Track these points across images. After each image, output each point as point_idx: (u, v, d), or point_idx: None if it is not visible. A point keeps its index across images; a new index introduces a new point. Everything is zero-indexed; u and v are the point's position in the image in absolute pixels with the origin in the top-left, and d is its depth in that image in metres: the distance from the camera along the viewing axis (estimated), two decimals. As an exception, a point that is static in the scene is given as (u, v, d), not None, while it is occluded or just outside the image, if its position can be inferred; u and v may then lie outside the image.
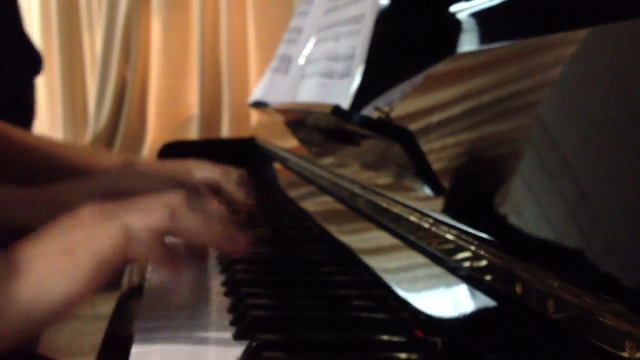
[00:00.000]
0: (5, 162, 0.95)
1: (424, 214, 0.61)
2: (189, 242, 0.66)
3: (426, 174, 0.64)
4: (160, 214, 0.59)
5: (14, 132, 0.98)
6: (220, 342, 0.56)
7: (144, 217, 0.59)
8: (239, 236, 0.63)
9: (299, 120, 1.20)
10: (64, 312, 0.55)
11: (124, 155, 1.08)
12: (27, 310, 0.54)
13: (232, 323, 0.59)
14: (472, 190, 0.57)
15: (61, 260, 0.56)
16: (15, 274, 0.55)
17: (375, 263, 0.70)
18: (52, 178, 1.00)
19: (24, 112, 1.66)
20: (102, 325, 0.67)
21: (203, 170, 1.00)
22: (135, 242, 0.57)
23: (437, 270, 0.57)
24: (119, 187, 0.86)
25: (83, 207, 0.60)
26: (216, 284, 0.72)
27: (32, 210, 0.82)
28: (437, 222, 0.57)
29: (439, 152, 0.65)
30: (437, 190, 0.62)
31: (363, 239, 0.78)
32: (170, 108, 2.31)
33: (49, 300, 0.54)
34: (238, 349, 0.53)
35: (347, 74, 0.90)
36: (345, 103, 0.87)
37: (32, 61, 1.67)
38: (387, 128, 0.76)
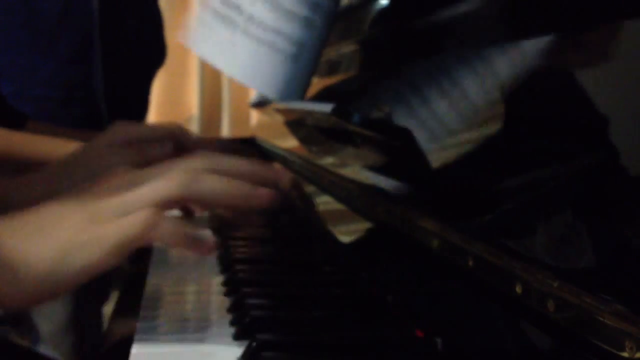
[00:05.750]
0: None
1: (423, 215, 0.61)
2: (210, 205, 0.64)
3: (426, 174, 0.64)
4: (177, 181, 0.57)
5: None
6: (220, 342, 0.56)
7: (168, 185, 0.57)
8: (262, 191, 0.60)
9: (299, 120, 1.20)
10: (79, 282, 0.54)
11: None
12: (44, 275, 0.53)
13: (232, 323, 0.59)
14: (473, 190, 0.57)
15: (86, 230, 0.54)
16: (38, 236, 0.54)
17: (375, 263, 0.70)
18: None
19: (141, 104, 1.66)
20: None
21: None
22: (164, 227, 0.55)
23: (436, 272, 0.57)
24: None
25: (114, 170, 0.59)
26: (216, 283, 0.72)
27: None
28: (437, 222, 0.57)
29: (439, 152, 0.64)
30: (438, 190, 0.62)
31: (362, 239, 0.78)
32: (170, 108, 2.31)
33: (66, 270, 0.53)
34: (238, 349, 0.53)
35: (296, 60, 0.86)
36: (297, 94, 0.84)
37: (157, 53, 1.67)
38: (387, 128, 0.76)
